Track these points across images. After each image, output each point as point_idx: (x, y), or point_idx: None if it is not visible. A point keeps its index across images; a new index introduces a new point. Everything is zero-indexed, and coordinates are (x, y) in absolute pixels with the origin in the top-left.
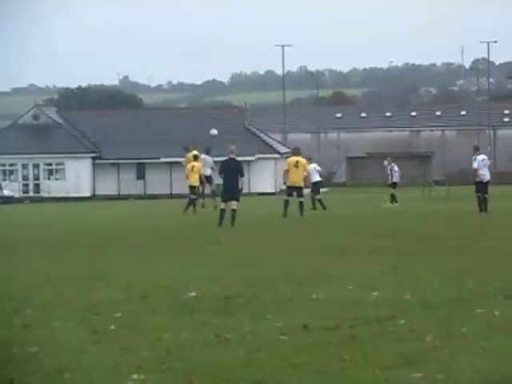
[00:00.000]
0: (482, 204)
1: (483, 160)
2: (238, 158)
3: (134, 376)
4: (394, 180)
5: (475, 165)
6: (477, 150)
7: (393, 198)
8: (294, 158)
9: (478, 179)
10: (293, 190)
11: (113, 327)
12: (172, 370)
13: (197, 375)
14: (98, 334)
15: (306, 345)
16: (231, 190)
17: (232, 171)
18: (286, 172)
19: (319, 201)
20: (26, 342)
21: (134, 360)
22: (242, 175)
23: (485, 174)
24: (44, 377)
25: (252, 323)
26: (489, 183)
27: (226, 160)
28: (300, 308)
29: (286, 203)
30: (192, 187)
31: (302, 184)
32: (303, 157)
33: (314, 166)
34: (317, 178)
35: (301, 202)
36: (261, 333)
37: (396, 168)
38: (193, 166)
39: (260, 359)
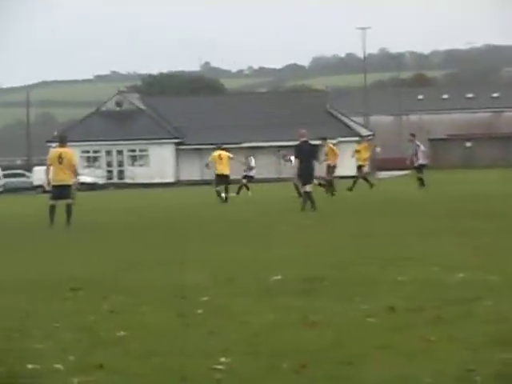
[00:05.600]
0: None
1: None
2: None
3: (222, 359)
4: (422, 162)
5: None
6: None
7: (421, 182)
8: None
9: None
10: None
11: (200, 311)
12: (259, 353)
13: (284, 357)
14: (185, 318)
15: (393, 326)
16: (306, 174)
17: (307, 154)
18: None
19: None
20: (114, 327)
21: (222, 343)
22: (318, 159)
23: None
24: (132, 361)
25: (338, 305)
26: None
27: (300, 144)
28: (385, 290)
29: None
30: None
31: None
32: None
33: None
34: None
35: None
36: (347, 315)
37: (422, 147)
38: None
39: (348, 341)
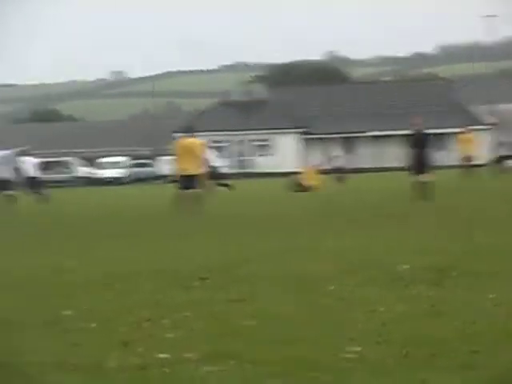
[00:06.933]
0: None
1: None
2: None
3: (352, 348)
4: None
5: None
6: None
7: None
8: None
9: None
10: None
11: (326, 300)
12: (388, 342)
13: (413, 347)
14: (313, 307)
15: None
16: (420, 163)
17: (421, 143)
18: None
19: None
20: (243, 316)
21: (349, 332)
22: (428, 147)
23: None
24: (262, 349)
25: (465, 295)
26: None
27: (414, 133)
28: None
29: None
30: None
31: None
32: None
33: None
34: None
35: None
36: (475, 304)
37: None
38: None
39: (476, 330)
